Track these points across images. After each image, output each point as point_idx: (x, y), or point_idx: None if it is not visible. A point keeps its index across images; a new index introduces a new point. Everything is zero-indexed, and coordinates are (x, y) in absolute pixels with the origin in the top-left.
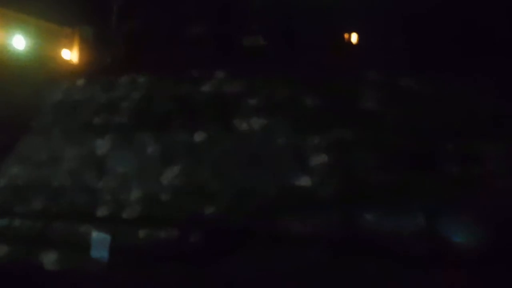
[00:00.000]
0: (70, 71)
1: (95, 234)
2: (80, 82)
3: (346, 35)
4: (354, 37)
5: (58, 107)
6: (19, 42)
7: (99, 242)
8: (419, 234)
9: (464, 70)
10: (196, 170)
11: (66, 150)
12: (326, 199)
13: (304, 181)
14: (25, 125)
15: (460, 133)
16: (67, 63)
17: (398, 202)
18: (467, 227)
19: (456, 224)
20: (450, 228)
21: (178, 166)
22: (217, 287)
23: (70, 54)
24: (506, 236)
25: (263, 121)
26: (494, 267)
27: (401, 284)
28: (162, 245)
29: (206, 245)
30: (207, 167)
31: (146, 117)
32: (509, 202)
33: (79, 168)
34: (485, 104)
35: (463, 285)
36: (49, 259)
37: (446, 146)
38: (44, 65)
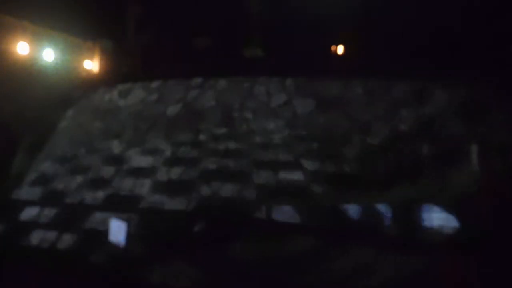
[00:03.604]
0: (92, 79)
1: (113, 221)
2: (100, 89)
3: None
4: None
5: (81, 111)
6: (48, 54)
7: (117, 228)
8: (397, 222)
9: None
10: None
11: (88, 149)
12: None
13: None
14: (52, 126)
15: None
16: (89, 72)
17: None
18: (441, 216)
19: (430, 213)
20: (425, 217)
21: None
22: (219, 270)
23: (92, 65)
24: (477, 224)
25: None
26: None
27: (383, 267)
28: (170, 232)
29: (210, 232)
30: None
31: (158, 119)
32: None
33: (98, 165)
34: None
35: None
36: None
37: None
38: (69, 74)
